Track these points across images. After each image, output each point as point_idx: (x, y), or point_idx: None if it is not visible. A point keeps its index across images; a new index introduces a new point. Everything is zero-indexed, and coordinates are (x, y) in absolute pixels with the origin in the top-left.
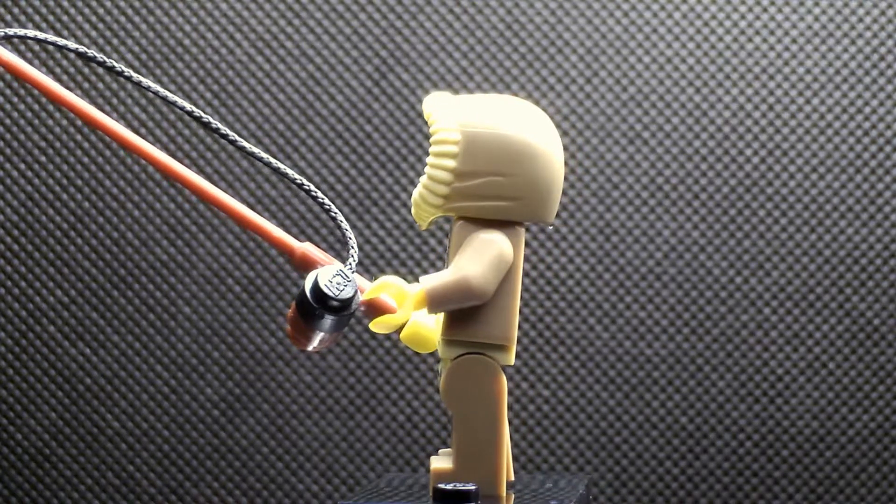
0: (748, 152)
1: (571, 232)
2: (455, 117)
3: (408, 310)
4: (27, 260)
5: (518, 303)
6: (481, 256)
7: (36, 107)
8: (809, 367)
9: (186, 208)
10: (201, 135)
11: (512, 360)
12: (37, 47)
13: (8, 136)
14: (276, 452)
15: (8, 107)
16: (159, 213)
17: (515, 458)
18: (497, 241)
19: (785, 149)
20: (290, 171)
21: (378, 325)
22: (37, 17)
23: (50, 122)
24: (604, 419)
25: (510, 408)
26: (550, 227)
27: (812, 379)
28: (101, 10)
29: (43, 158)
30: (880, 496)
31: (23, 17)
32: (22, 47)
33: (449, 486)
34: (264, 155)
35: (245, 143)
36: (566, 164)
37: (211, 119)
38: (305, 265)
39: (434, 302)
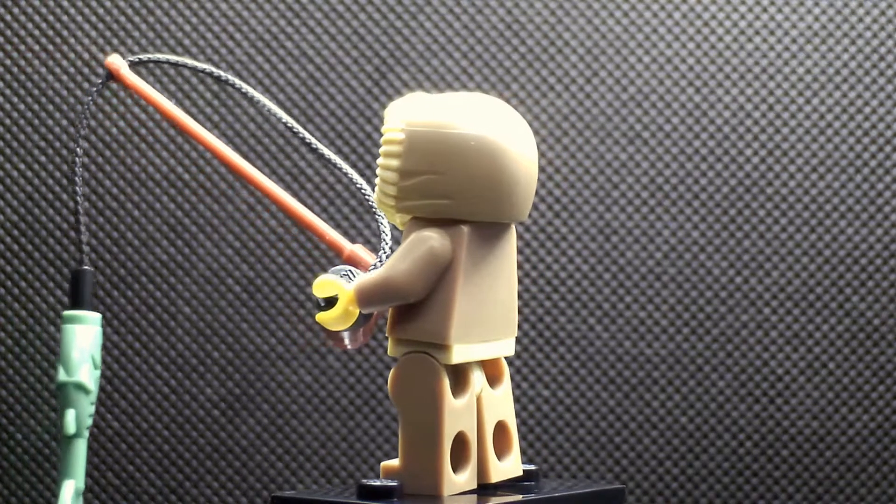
0: (748, 152)
1: (571, 232)
2: (402, 117)
3: (340, 308)
4: (27, 260)
5: (458, 301)
6: (409, 255)
7: (36, 107)
8: (809, 367)
9: (186, 208)
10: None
11: (452, 359)
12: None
13: (8, 136)
14: (276, 452)
15: (8, 107)
16: (159, 213)
17: None
18: (428, 239)
19: (785, 149)
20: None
21: (321, 320)
22: (37, 17)
23: (50, 122)
24: (604, 419)
25: None
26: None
27: (812, 379)
28: (100, 10)
29: (43, 158)
30: (880, 496)
31: (23, 17)
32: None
33: (374, 483)
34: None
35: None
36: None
37: (314, 140)
38: (353, 265)
39: (361, 300)
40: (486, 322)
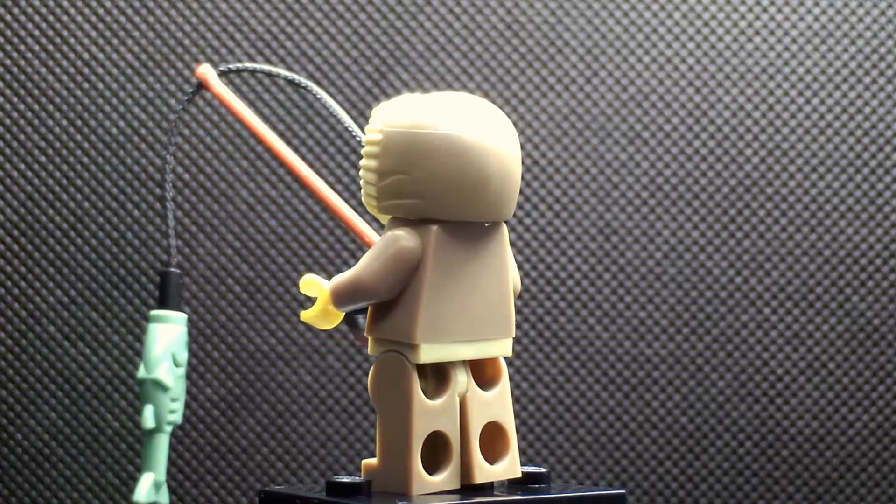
0: (748, 152)
1: (571, 232)
2: (381, 118)
3: (318, 307)
4: (27, 260)
5: (425, 301)
6: (378, 254)
7: (36, 107)
8: (809, 367)
9: (186, 208)
10: (200, 134)
11: (420, 358)
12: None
13: (8, 136)
14: (276, 452)
15: (8, 107)
16: (159, 213)
17: None
18: (398, 239)
19: (785, 149)
20: None
21: (303, 319)
22: (37, 17)
23: (50, 122)
24: (604, 419)
25: None
26: (487, 224)
27: (812, 379)
28: (101, 10)
29: (43, 158)
30: (880, 496)
31: (23, 17)
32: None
33: (343, 479)
34: None
35: None
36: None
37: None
38: None
39: (335, 300)
40: (466, 322)
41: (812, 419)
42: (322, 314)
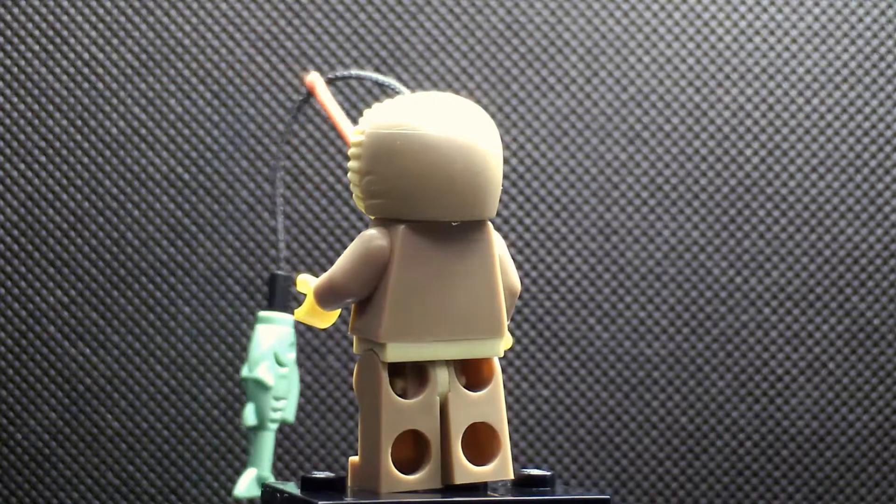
0: (748, 152)
1: (571, 232)
2: (365, 119)
3: (306, 305)
4: (27, 260)
5: (391, 300)
6: (350, 253)
7: (36, 107)
8: (809, 367)
9: (186, 208)
10: (201, 134)
11: (387, 357)
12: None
13: (8, 136)
14: (276, 452)
15: (8, 107)
16: (159, 213)
17: (515, 458)
18: (367, 238)
19: (785, 149)
20: None
21: (296, 317)
22: (37, 17)
23: (50, 122)
24: (604, 419)
25: (510, 408)
26: (455, 223)
27: (812, 379)
28: (101, 10)
29: (43, 158)
30: (880, 496)
31: (23, 17)
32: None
33: (317, 475)
34: None
35: None
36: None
37: None
38: None
39: (317, 298)
40: (446, 321)
41: (812, 419)
42: (310, 313)
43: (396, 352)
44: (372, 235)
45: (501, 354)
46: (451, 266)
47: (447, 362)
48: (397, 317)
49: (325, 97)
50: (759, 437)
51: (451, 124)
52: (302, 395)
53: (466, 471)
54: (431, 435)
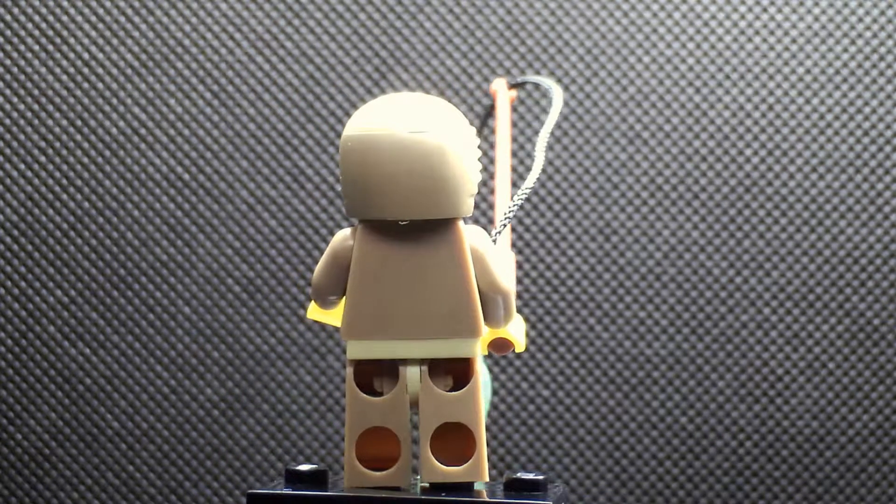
0: (748, 152)
1: (571, 232)
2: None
3: (311, 304)
4: (27, 260)
5: (350, 298)
6: (325, 253)
7: (36, 107)
8: (809, 367)
9: (186, 208)
10: (200, 134)
11: (350, 354)
12: (36, 41)
13: (8, 136)
14: (276, 452)
15: (8, 107)
16: (159, 213)
17: (515, 459)
18: (336, 237)
19: (785, 149)
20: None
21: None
22: (37, 17)
23: (50, 122)
24: (604, 419)
25: (510, 408)
26: (404, 222)
27: (812, 379)
28: (100, 10)
29: (43, 158)
30: (880, 496)
31: (23, 17)
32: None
33: (301, 468)
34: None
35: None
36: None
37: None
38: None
39: (311, 295)
40: (408, 320)
41: (812, 419)
42: (313, 308)
43: (359, 349)
44: (342, 235)
45: (476, 355)
46: (412, 265)
47: (420, 361)
48: (357, 315)
49: (503, 106)
50: (759, 437)
51: (397, 124)
52: (302, 395)
53: (435, 470)
54: (401, 433)
